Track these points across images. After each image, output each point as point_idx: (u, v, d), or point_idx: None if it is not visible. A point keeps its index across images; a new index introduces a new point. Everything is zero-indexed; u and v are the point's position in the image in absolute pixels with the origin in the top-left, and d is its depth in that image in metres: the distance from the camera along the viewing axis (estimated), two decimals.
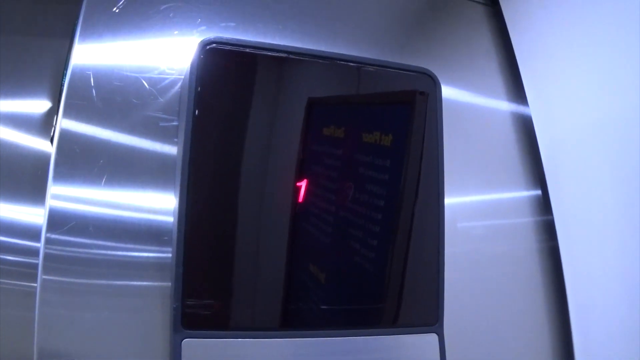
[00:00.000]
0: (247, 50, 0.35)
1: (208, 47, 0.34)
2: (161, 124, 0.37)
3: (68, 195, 0.35)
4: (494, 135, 0.48)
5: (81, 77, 0.37)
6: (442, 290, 0.38)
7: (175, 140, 0.37)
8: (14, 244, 0.48)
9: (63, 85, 0.37)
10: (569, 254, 0.45)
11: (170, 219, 0.36)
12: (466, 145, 0.46)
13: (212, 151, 0.34)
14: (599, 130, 0.44)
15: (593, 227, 0.44)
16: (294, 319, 0.35)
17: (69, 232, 0.34)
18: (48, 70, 0.48)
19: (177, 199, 0.33)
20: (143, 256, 0.35)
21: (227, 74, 0.35)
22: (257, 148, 0.35)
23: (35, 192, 0.50)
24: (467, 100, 0.48)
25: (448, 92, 0.45)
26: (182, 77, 0.38)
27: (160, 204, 0.36)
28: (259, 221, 0.35)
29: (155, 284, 0.35)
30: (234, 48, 0.35)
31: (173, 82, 0.38)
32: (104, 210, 0.35)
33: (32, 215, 0.50)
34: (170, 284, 0.34)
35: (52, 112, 0.49)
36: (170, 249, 0.35)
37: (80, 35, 0.37)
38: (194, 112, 0.33)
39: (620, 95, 0.42)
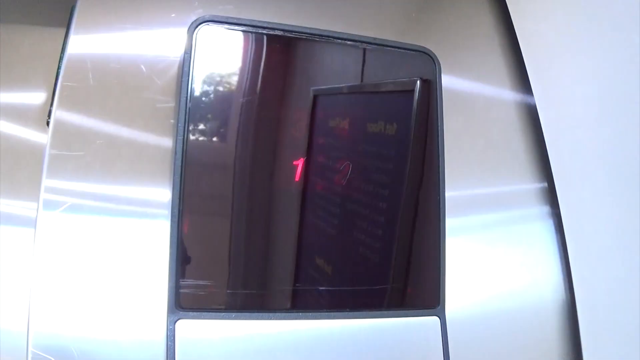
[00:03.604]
0: (241, 28, 0.35)
1: (201, 26, 0.34)
2: (158, 105, 0.37)
3: (63, 177, 0.34)
4: (496, 121, 0.47)
5: (78, 59, 0.37)
6: (443, 274, 0.37)
7: (172, 121, 0.37)
8: None
9: (60, 69, 0.37)
10: (576, 247, 0.44)
11: (167, 204, 0.35)
12: (467, 132, 0.45)
13: (207, 131, 0.34)
14: (606, 117, 0.43)
15: (602, 221, 0.43)
16: (290, 301, 0.34)
17: (64, 215, 0.33)
18: (45, 61, 0.48)
19: (173, 178, 0.33)
20: (142, 243, 0.35)
21: (220, 53, 0.35)
22: (252, 127, 0.35)
23: (32, 186, 0.49)
24: (468, 85, 0.47)
25: (449, 76, 0.44)
26: (179, 59, 0.38)
27: (156, 186, 0.36)
28: (256, 202, 0.35)
29: (158, 275, 0.34)
30: (227, 27, 0.35)
31: (170, 65, 0.38)
32: (100, 191, 0.35)
33: (30, 210, 0.49)
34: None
35: (49, 102, 0.49)
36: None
37: (77, 19, 0.37)
38: (188, 92, 0.33)
39: (629, 80, 0.41)
